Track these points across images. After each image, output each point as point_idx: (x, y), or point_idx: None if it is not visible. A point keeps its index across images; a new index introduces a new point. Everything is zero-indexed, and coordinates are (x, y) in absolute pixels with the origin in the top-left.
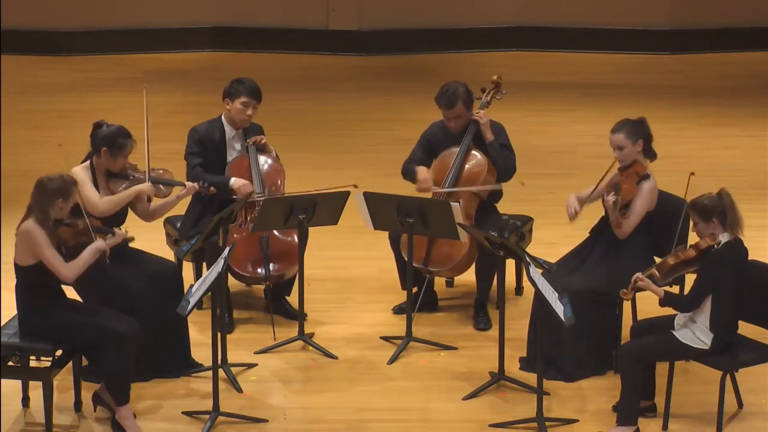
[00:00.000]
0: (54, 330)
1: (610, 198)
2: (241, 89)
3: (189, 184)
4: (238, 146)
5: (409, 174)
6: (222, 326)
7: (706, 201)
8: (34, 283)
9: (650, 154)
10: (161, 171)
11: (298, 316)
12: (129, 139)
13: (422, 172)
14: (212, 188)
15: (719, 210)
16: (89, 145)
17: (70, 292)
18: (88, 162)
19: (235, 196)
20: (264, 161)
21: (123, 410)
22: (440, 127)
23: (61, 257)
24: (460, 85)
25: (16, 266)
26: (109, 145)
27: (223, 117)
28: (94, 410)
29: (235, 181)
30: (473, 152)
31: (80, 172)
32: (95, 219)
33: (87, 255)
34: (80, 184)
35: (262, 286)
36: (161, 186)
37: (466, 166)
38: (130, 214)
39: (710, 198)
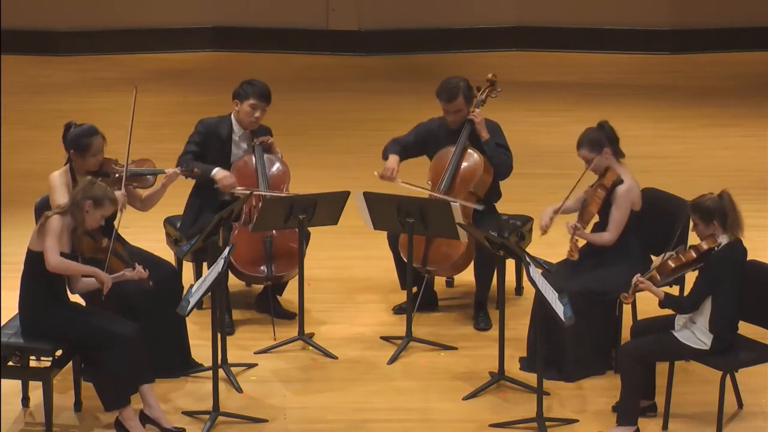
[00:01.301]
0: (53, 327)
1: (570, 226)
2: (250, 92)
3: (170, 170)
4: (244, 145)
5: (384, 154)
6: (222, 328)
7: (708, 203)
8: (41, 272)
9: (619, 154)
10: (141, 161)
11: (297, 314)
12: (94, 137)
13: (391, 160)
14: (196, 170)
15: (720, 212)
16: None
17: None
18: (67, 166)
19: (216, 186)
20: (270, 162)
21: (125, 411)
22: (438, 124)
23: (58, 250)
24: (461, 80)
25: (29, 252)
26: (75, 146)
27: (233, 115)
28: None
29: (217, 172)
30: (469, 151)
31: (57, 178)
32: (123, 246)
33: (85, 269)
34: (51, 189)
35: (262, 286)
36: (144, 177)
37: (463, 164)
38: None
39: (712, 199)
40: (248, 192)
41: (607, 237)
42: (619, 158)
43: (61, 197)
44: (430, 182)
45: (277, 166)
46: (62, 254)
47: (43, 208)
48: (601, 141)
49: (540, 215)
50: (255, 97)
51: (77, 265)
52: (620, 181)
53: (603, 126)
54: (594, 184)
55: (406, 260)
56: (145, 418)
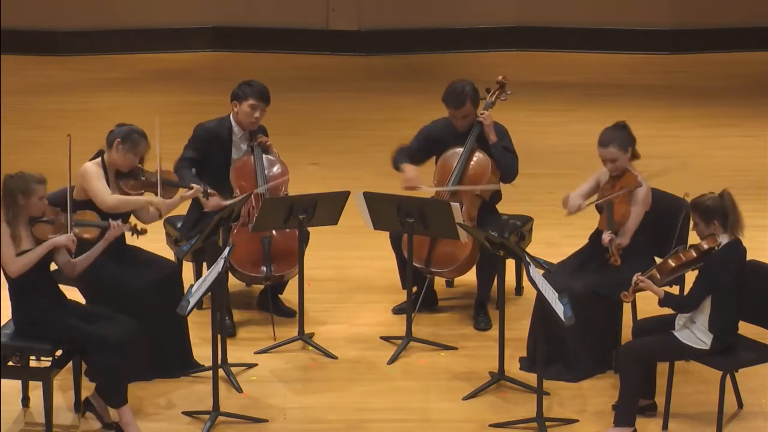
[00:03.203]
0: (46, 332)
1: (606, 237)
2: (249, 92)
3: (195, 186)
4: (244, 146)
5: (395, 165)
6: (223, 329)
7: (709, 202)
8: (24, 282)
9: (635, 156)
10: (167, 172)
11: (297, 314)
12: (144, 139)
13: (409, 169)
14: (210, 191)
15: (721, 211)
16: (103, 143)
17: (74, 293)
18: (99, 159)
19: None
20: (269, 163)
21: (124, 415)
22: (444, 125)
23: (13, 252)
24: (467, 84)
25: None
26: (123, 137)
27: (231, 116)
28: (83, 415)
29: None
30: (477, 153)
31: (92, 167)
32: (89, 212)
33: (38, 251)
34: (92, 176)
35: (262, 286)
36: (170, 188)
37: (470, 166)
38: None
39: (712, 199)
40: (246, 194)
41: (625, 240)
42: (632, 160)
43: (103, 184)
44: (436, 182)
45: (276, 166)
46: (25, 251)
47: None
48: (627, 141)
49: (569, 201)
50: (254, 98)
51: (32, 253)
52: (640, 184)
53: (626, 126)
54: (615, 185)
55: None
56: (88, 405)
